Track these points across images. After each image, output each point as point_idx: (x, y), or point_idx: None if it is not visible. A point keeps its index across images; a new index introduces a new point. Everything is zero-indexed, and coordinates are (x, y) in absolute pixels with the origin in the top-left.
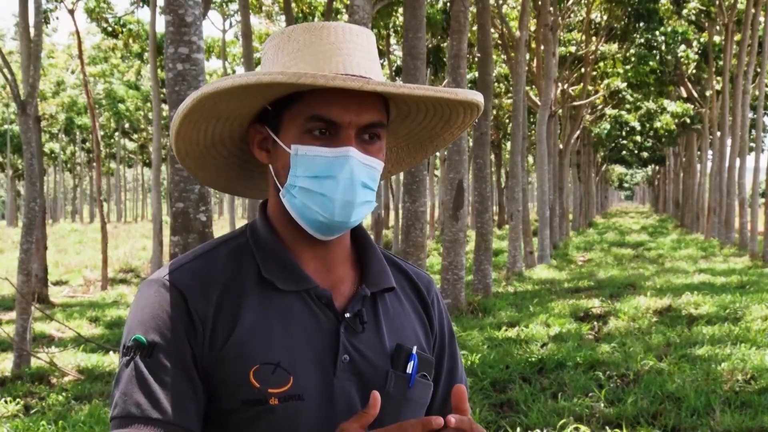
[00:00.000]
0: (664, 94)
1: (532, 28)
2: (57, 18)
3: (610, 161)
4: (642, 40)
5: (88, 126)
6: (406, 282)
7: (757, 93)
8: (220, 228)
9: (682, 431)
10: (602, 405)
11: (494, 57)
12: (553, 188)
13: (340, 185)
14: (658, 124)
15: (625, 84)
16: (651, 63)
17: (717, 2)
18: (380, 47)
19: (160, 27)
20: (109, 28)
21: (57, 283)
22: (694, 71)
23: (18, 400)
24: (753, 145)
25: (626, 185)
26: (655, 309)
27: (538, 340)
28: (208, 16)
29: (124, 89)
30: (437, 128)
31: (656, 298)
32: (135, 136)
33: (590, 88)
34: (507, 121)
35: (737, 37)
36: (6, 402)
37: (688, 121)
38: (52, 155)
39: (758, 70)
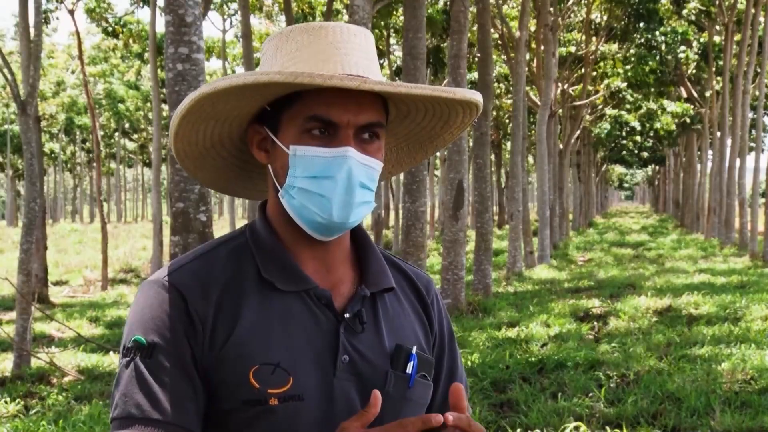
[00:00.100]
0: (664, 94)
1: (532, 28)
2: (57, 18)
3: (610, 161)
4: (642, 40)
5: (88, 126)
6: (406, 282)
7: (757, 93)
8: (220, 228)
9: (682, 431)
10: (602, 405)
11: (494, 57)
12: (553, 188)
13: (338, 185)
14: (658, 125)
15: (625, 84)
16: (651, 63)
17: (717, 2)
18: (380, 47)
19: (160, 27)
20: (110, 28)
21: (57, 283)
22: (694, 71)
23: (18, 400)
24: (753, 145)
25: (626, 185)
26: (655, 309)
27: (538, 340)
28: (208, 16)
29: (124, 89)
30: (437, 128)
31: (656, 298)
32: (135, 136)
33: (590, 88)
34: (507, 121)
35: (737, 37)
36: (6, 402)
37: (688, 121)
38: (52, 155)
39: (758, 70)
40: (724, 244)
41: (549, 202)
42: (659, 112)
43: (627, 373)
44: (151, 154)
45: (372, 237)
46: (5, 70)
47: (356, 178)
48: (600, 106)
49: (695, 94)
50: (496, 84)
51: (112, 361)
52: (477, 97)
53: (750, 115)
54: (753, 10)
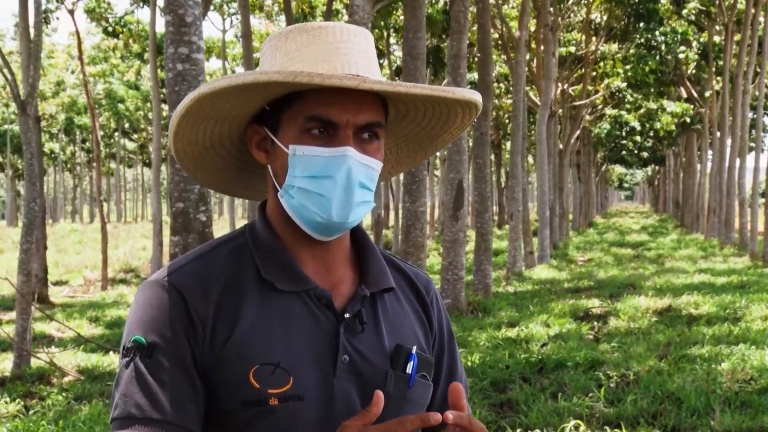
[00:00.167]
0: (664, 94)
1: (532, 28)
2: (57, 18)
3: (610, 161)
4: (642, 40)
5: (88, 126)
6: (405, 282)
7: (757, 93)
8: (220, 228)
9: (682, 431)
10: (602, 405)
11: (494, 57)
12: (553, 188)
13: (337, 185)
14: (658, 125)
15: (625, 84)
16: (651, 63)
17: (717, 2)
18: (380, 47)
19: (160, 27)
20: (110, 28)
21: (57, 283)
22: (694, 71)
23: (18, 400)
24: (753, 145)
25: (626, 185)
26: (655, 309)
27: (538, 340)
28: (208, 16)
29: (124, 89)
30: (436, 129)
31: (656, 298)
32: (135, 136)
33: (590, 88)
34: (507, 121)
35: (737, 37)
36: (6, 402)
37: (688, 120)
38: (52, 155)
39: (758, 70)
40: (724, 244)
41: (549, 202)
42: (659, 112)
43: (627, 373)
44: (151, 154)
45: (372, 237)
46: (5, 70)
47: (356, 177)
48: (600, 106)
49: (695, 94)
50: (496, 84)
51: (112, 361)
52: (476, 96)
53: (750, 115)
54: (753, 10)
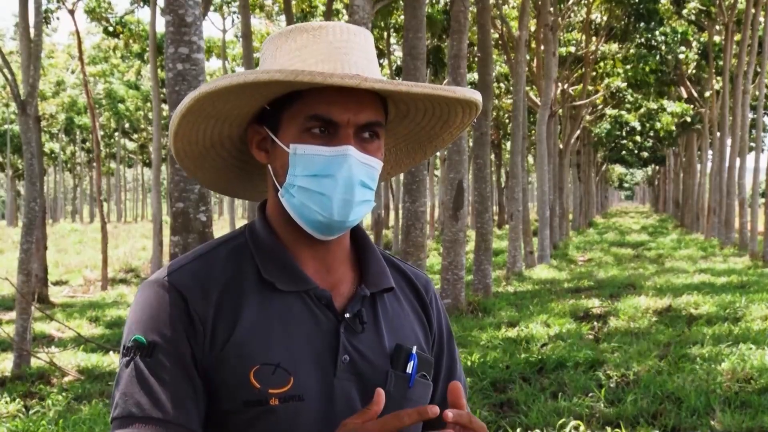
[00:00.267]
0: (664, 94)
1: (532, 28)
2: (58, 18)
3: (610, 161)
4: (642, 40)
5: (88, 126)
6: (405, 282)
7: (757, 93)
8: (220, 228)
9: (682, 431)
10: (602, 405)
11: (494, 57)
12: (553, 188)
13: (338, 184)
14: (658, 125)
15: (625, 84)
16: (651, 63)
17: (717, 2)
18: (380, 47)
19: (160, 27)
20: (110, 28)
21: (57, 283)
22: (694, 71)
23: (18, 400)
24: (753, 145)
25: (626, 185)
26: (655, 309)
27: (538, 340)
28: (208, 17)
29: (124, 89)
30: (436, 128)
31: (656, 298)
32: (135, 136)
33: (590, 88)
34: (507, 121)
35: (737, 37)
36: (6, 402)
37: (688, 120)
38: (52, 155)
39: (758, 70)
40: (724, 244)
41: (549, 202)
42: (659, 112)
43: (627, 373)
44: (151, 154)
45: (372, 237)
46: (5, 70)
47: (356, 176)
48: (600, 106)
49: (695, 94)
50: (496, 84)
51: (112, 361)
52: (477, 96)
53: (750, 115)
54: (753, 10)
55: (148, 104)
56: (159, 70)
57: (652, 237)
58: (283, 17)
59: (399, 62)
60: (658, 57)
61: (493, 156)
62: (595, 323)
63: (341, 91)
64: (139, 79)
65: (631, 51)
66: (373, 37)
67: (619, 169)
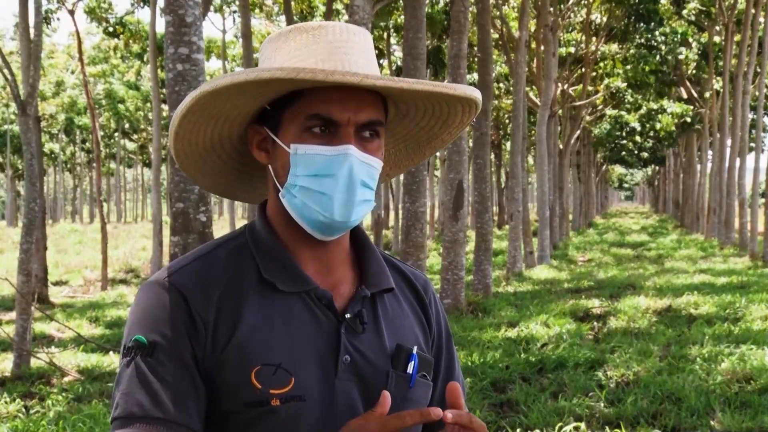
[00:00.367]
0: (664, 94)
1: (532, 28)
2: (58, 19)
3: (610, 161)
4: (642, 40)
5: (88, 126)
6: (404, 282)
7: (757, 93)
8: (220, 228)
9: (682, 431)
10: (602, 405)
11: (494, 57)
12: (553, 188)
13: (339, 183)
14: (658, 125)
15: (625, 84)
16: (651, 63)
17: (717, 2)
18: (380, 47)
19: (160, 27)
20: (110, 28)
21: (57, 283)
22: (694, 72)
23: (18, 400)
24: (753, 145)
25: (626, 185)
26: (655, 309)
27: (538, 340)
28: (208, 17)
29: (124, 89)
30: (435, 128)
31: (656, 298)
32: (135, 137)
33: (590, 88)
34: (507, 121)
35: (737, 37)
36: (6, 402)
37: (688, 121)
38: (52, 155)
39: (758, 70)
40: (724, 244)
41: (549, 202)
42: (659, 112)
43: (627, 373)
44: (151, 154)
45: (372, 237)
46: (5, 70)
47: (357, 176)
48: (600, 107)
49: (695, 95)
50: (496, 84)
51: (112, 361)
52: (476, 93)
53: (750, 115)
54: (753, 11)
55: (148, 104)
56: (159, 71)
57: (652, 237)
58: (282, 17)
59: (399, 62)
60: (658, 57)
61: (493, 156)
62: (595, 323)
63: (342, 91)
64: (139, 79)
65: (631, 51)
66: (373, 37)
67: (619, 169)
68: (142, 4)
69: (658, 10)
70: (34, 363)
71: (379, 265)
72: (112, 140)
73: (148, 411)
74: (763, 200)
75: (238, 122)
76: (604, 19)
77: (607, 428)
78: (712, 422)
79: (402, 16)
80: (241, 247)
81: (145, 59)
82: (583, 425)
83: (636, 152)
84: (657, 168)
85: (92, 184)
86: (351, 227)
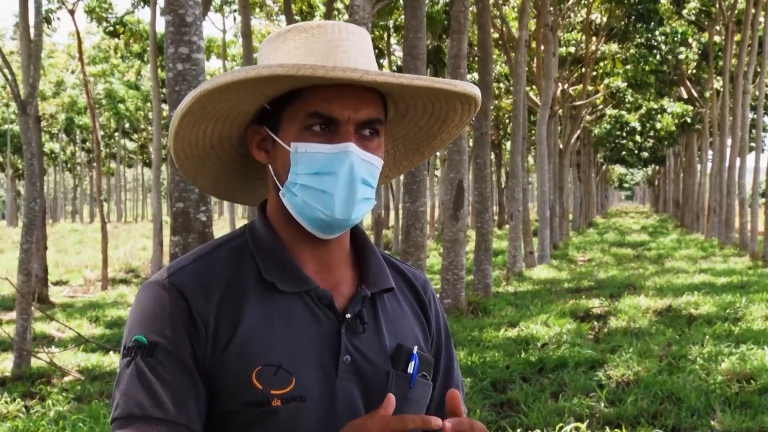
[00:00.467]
0: (664, 94)
1: (532, 28)
2: (58, 18)
3: (610, 161)
4: (642, 40)
5: (88, 126)
6: (404, 282)
7: (757, 93)
8: (220, 228)
9: (682, 431)
10: (602, 405)
11: (494, 57)
12: (553, 188)
13: (340, 181)
14: (658, 125)
15: (625, 84)
16: (651, 63)
17: (717, 2)
18: (380, 47)
19: (160, 27)
20: (110, 28)
21: (57, 283)
22: (694, 71)
23: (18, 400)
24: (753, 145)
25: (626, 185)
26: (655, 309)
27: (539, 340)
28: (208, 16)
29: (124, 89)
30: (434, 128)
31: (656, 298)
32: (135, 136)
33: (590, 88)
34: (507, 121)
35: (737, 37)
36: (6, 402)
37: (688, 120)
38: (52, 155)
39: (758, 70)
40: (724, 244)
41: (549, 202)
42: (659, 112)
43: (627, 373)
44: (151, 154)
45: (372, 237)
46: (5, 70)
47: (358, 173)
48: (600, 106)
49: (695, 94)
50: (496, 84)
51: (112, 361)
52: (476, 90)
53: (750, 115)
54: (753, 10)
55: (148, 104)
56: (159, 70)
57: (652, 237)
58: (282, 17)
59: (399, 62)
60: (658, 57)
61: (493, 156)
62: (595, 323)
63: (341, 89)
64: (139, 79)
65: (631, 51)
66: (373, 36)
67: (619, 169)
68: (142, 4)
69: (658, 10)
70: (35, 363)
71: (379, 265)
72: (112, 140)
73: (148, 411)
74: (763, 200)
75: (237, 122)
76: (604, 18)
77: (607, 428)
78: (712, 422)
79: (402, 16)
80: (241, 247)
81: (145, 59)
82: (583, 425)
83: (636, 152)
84: (657, 168)
85: (92, 183)
86: (352, 225)
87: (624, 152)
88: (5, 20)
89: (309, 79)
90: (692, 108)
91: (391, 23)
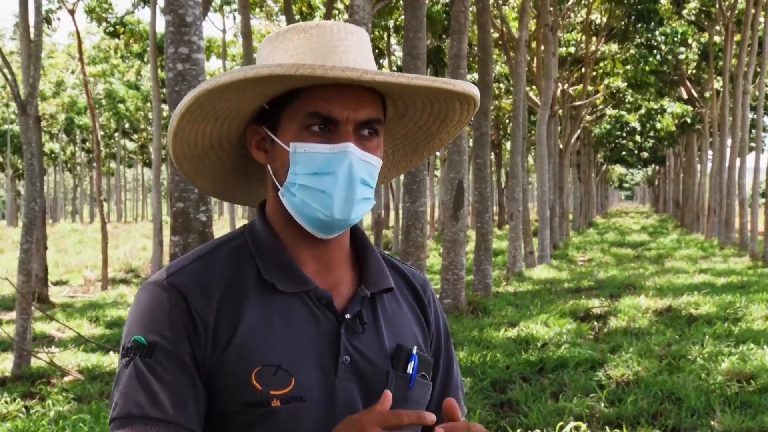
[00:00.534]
0: (664, 94)
1: (532, 28)
2: (58, 18)
3: (610, 161)
4: (642, 40)
5: (88, 126)
6: (403, 282)
7: (757, 93)
8: (220, 228)
9: (682, 431)
10: (602, 405)
11: (494, 57)
12: (553, 188)
13: (339, 181)
14: (658, 125)
15: (625, 84)
16: (651, 63)
17: (717, 2)
18: (380, 47)
19: (160, 27)
20: (110, 28)
21: (57, 283)
22: (694, 71)
23: (18, 400)
24: (753, 145)
25: (626, 185)
26: (655, 309)
27: (539, 340)
28: (208, 17)
29: (124, 89)
30: (433, 128)
31: (656, 298)
32: (135, 136)
33: (590, 88)
34: (507, 121)
35: (737, 37)
36: (6, 402)
37: (688, 121)
38: (52, 155)
39: (758, 70)
40: (724, 244)
41: (549, 202)
42: (659, 112)
43: (627, 373)
44: (151, 154)
45: (372, 237)
46: (5, 70)
47: (357, 173)
48: (600, 106)
49: (695, 95)
50: (496, 84)
51: (112, 361)
52: (475, 90)
53: (750, 115)
54: (753, 10)
55: (148, 104)
56: (159, 70)
57: (652, 237)
58: (282, 17)
59: (399, 62)
60: (658, 57)
61: (493, 156)
62: (595, 323)
63: (340, 89)
64: (139, 79)
65: (631, 51)
66: (373, 36)
67: (619, 169)
68: (142, 4)
69: (658, 10)
70: (35, 363)
71: (379, 265)
72: (112, 140)
73: (147, 411)
74: (763, 200)
75: (236, 122)
76: (604, 19)
77: (607, 428)
78: (712, 422)
79: (402, 16)
80: (240, 248)
81: (145, 59)
82: (583, 425)
83: (636, 152)
84: (657, 168)
85: (92, 183)
86: (351, 225)
87: (624, 152)
88: (5, 20)
89: (308, 79)
90: (692, 108)
91: (391, 23)
